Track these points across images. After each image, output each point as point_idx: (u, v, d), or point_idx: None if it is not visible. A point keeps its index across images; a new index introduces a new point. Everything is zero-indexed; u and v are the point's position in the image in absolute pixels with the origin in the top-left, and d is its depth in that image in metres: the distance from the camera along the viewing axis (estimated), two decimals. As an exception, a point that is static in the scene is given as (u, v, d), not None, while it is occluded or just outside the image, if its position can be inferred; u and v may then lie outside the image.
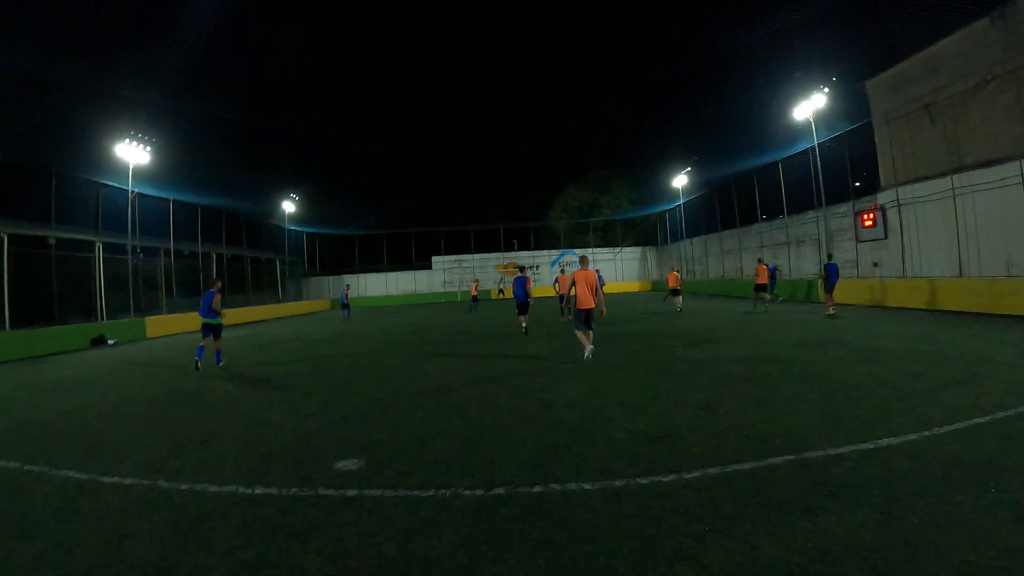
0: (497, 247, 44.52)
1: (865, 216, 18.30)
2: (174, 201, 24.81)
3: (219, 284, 11.19)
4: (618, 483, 3.58)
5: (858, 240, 19.02)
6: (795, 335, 10.71)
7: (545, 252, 44.30)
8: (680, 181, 31.52)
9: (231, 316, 13.40)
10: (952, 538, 2.61)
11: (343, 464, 4.27)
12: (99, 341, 17.51)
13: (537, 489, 3.57)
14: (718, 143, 24.47)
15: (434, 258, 43.59)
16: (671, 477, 3.63)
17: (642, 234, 44.60)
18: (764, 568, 2.45)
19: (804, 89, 18.43)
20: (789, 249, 24.36)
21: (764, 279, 17.40)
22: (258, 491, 3.81)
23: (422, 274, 43.36)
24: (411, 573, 2.61)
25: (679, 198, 33.82)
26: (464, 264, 43.29)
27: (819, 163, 19.46)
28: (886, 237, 17.50)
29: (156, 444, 5.22)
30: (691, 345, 10.15)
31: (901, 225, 16.81)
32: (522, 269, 14.81)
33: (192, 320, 21.88)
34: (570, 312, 9.16)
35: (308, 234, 42.09)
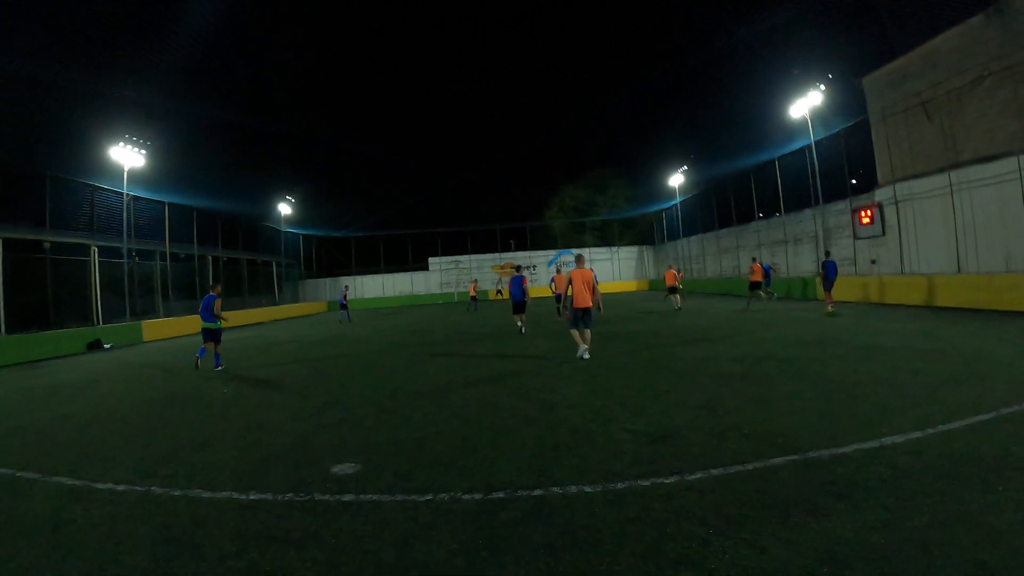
0: (494, 247, 44.46)
1: (863, 213, 18.30)
2: (169, 204, 24.70)
3: (218, 289, 11.12)
4: (619, 485, 3.53)
5: (856, 237, 19.01)
6: (793, 333, 10.67)
7: (542, 252, 44.24)
8: (677, 180, 31.51)
9: (229, 319, 13.32)
10: (962, 539, 2.55)
11: (340, 468, 4.20)
12: (95, 345, 17.41)
13: (537, 492, 3.51)
14: (715, 141, 24.49)
15: (431, 259, 43.48)
16: (673, 478, 3.57)
17: (639, 233, 44.60)
18: (772, 572, 2.39)
19: (801, 86, 18.41)
20: (787, 247, 24.36)
21: (759, 277, 17.47)
22: (253, 497, 3.74)
23: (419, 275, 43.25)
24: (409, 580, 2.55)
25: (676, 197, 33.82)
26: (461, 265, 43.20)
27: (816, 161, 19.45)
28: (884, 234, 17.49)
29: (150, 449, 5.15)
30: (689, 344, 10.10)
31: (899, 222, 16.80)
32: (518, 269, 14.77)
33: (188, 323, 21.81)
34: (567, 311, 9.09)
35: (304, 236, 41.94)
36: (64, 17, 12.61)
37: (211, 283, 15.38)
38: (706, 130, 23.88)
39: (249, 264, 33.18)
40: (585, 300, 8.67)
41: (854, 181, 19.76)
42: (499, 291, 37.37)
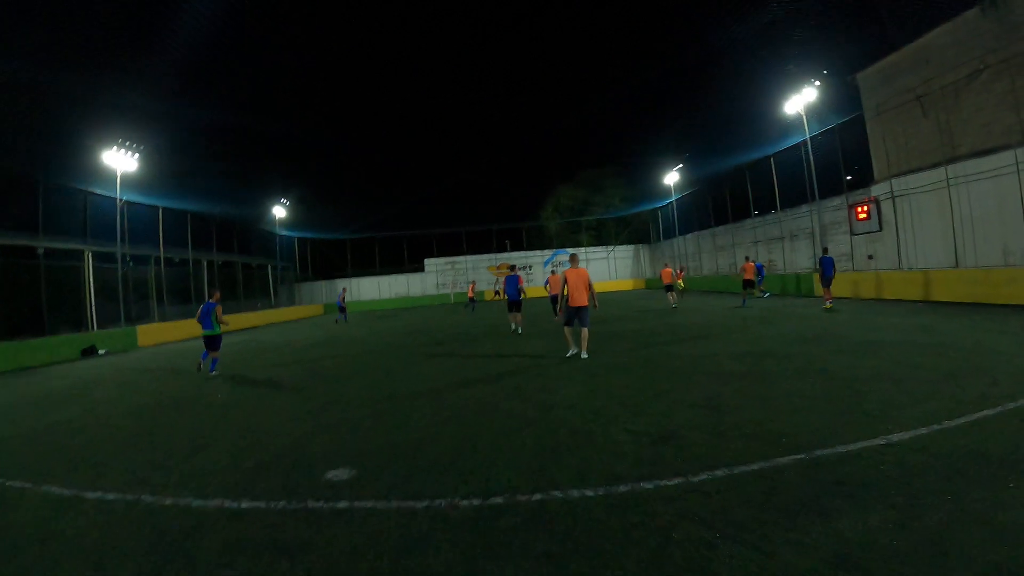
0: (489, 248, 44.36)
1: (859, 209, 18.27)
2: (163, 208, 24.52)
3: (217, 295, 11.04)
4: (622, 488, 3.44)
5: (852, 233, 18.99)
6: (793, 329, 10.62)
7: (538, 252, 44.19)
8: (672, 178, 31.47)
9: (230, 323, 13.26)
10: (975, 538, 2.48)
11: (334, 474, 4.10)
12: (89, 351, 17.25)
13: (537, 497, 3.41)
14: (710, 138, 24.42)
15: (426, 260, 43.37)
16: (676, 480, 3.49)
17: (635, 232, 44.54)
18: (780, 577, 2.31)
19: (795, 83, 18.36)
20: (783, 244, 24.35)
21: (751, 275, 17.49)
22: (245, 505, 3.64)
23: (415, 277, 43.10)
24: (406, 591, 2.46)
25: (671, 195, 33.77)
26: (456, 266, 43.08)
27: (811, 157, 19.42)
28: (880, 229, 17.47)
29: (142, 457, 5.04)
30: (688, 342, 10.03)
31: (896, 217, 16.78)
32: (513, 268, 14.71)
33: (183, 328, 21.66)
34: (563, 310, 9.00)
35: (299, 239, 41.76)
36: (57, 19, 12.43)
37: (208, 289, 15.24)
38: (701, 127, 23.80)
39: (244, 268, 32.99)
40: (581, 298, 8.61)
41: (850, 177, 19.75)
42: (497, 292, 37.29)
